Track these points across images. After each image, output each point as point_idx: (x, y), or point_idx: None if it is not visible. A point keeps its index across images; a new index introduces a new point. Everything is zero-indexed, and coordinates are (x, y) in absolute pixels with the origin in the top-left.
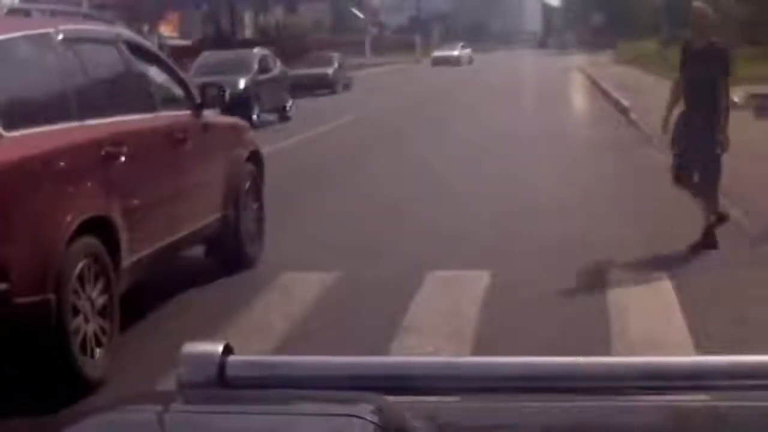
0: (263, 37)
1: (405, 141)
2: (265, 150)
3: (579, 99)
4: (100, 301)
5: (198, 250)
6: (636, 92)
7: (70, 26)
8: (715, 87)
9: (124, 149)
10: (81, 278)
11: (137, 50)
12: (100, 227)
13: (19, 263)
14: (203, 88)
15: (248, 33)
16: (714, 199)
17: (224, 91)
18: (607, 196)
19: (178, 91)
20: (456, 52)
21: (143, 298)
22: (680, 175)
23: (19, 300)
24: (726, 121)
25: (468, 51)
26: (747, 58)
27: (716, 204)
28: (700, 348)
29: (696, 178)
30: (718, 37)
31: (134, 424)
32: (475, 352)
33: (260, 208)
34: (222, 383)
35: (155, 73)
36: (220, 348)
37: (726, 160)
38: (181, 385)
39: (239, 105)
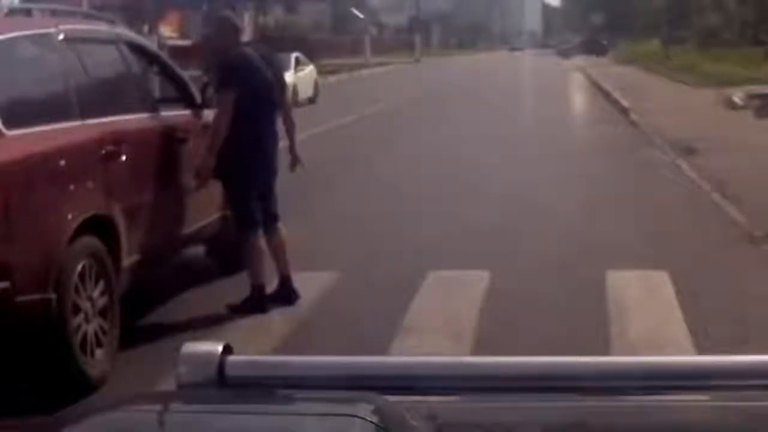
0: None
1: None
2: None
3: (579, 101)
4: (101, 300)
5: (198, 250)
6: (636, 93)
7: (71, 26)
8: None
9: (125, 149)
10: (82, 277)
11: (138, 50)
12: (101, 227)
13: (20, 262)
14: (203, 88)
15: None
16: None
17: None
18: (607, 195)
19: (179, 91)
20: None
21: (143, 298)
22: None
23: (20, 299)
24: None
25: (310, 71)
26: (747, 58)
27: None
28: (700, 348)
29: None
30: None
31: (134, 424)
32: (475, 351)
33: None
34: (221, 383)
35: (155, 73)
36: (220, 348)
37: (727, 159)
38: (180, 384)
39: None
